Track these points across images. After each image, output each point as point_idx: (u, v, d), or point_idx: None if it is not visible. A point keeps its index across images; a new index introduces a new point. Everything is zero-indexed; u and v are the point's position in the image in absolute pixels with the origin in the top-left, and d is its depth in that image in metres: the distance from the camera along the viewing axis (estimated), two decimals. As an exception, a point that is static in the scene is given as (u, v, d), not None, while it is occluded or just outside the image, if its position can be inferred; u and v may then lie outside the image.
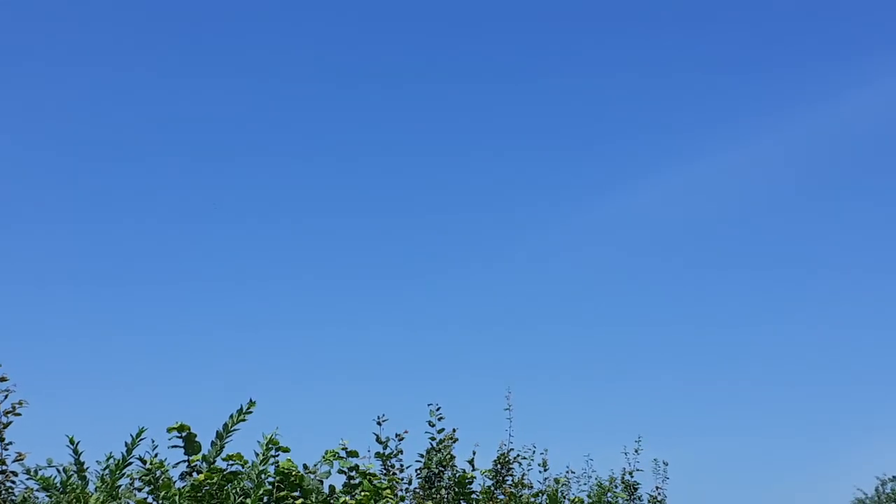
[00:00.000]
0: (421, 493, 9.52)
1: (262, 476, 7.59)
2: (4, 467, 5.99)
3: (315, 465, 8.29)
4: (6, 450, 6.08)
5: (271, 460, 7.76)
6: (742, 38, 30.90)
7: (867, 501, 26.44)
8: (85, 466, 7.09)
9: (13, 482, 6.05)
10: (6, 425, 6.12)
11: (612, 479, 12.68)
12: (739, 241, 31.08)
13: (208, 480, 7.43)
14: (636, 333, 28.69)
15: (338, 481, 8.48)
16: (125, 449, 7.14)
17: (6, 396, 6.16)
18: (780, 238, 30.84)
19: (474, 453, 10.03)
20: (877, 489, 26.43)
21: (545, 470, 11.23)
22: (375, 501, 7.15)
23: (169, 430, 7.79)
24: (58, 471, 6.85)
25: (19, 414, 6.16)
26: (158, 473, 6.98)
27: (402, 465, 9.55)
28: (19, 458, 6.10)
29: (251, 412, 7.89)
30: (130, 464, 7.20)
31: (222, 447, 7.82)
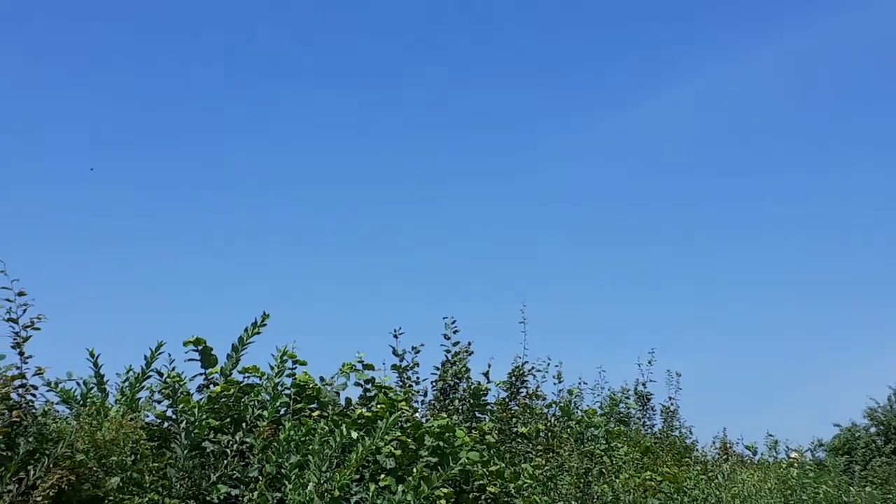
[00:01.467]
0: (436, 404, 9.64)
1: (279, 388, 7.69)
2: (25, 381, 6.07)
3: (332, 378, 8.39)
4: (26, 363, 6.15)
5: (287, 373, 7.86)
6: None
7: (879, 410, 26.69)
8: (105, 379, 7.18)
9: (33, 395, 6.13)
10: (26, 339, 6.18)
11: (624, 390, 12.81)
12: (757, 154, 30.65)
13: (225, 392, 7.54)
14: (650, 248, 28.61)
15: (354, 394, 8.61)
16: (144, 363, 7.22)
17: (25, 310, 6.20)
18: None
19: (489, 366, 10.15)
20: (889, 398, 26.66)
21: (559, 382, 11.37)
22: (391, 413, 7.24)
23: (185, 344, 7.89)
24: (78, 384, 6.94)
25: (38, 328, 6.21)
26: (176, 386, 7.07)
27: (418, 378, 9.68)
28: (39, 372, 6.17)
29: (265, 325, 7.96)
30: (149, 377, 7.29)
31: (238, 360, 7.91)
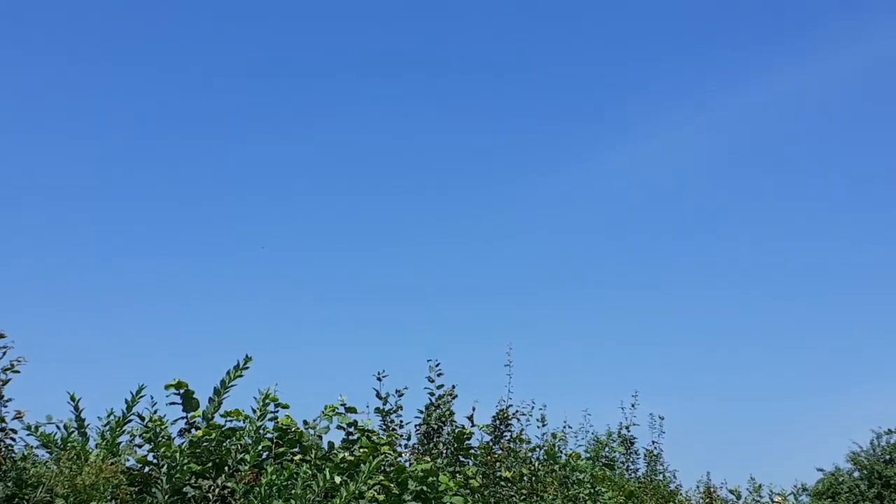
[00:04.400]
0: (420, 448, 9.58)
1: (261, 432, 7.63)
2: (4, 424, 6.00)
3: (314, 421, 8.33)
4: (5, 407, 6.09)
5: (270, 416, 7.81)
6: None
7: (862, 454, 26.64)
8: (86, 423, 7.11)
9: (13, 439, 6.05)
10: (5, 382, 6.12)
11: (609, 434, 12.77)
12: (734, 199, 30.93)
13: (207, 437, 7.47)
14: (634, 293, 28.68)
15: (336, 437, 8.54)
16: (125, 406, 7.16)
17: (4, 353, 6.15)
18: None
19: (473, 409, 10.11)
20: (871, 442, 26.64)
21: (543, 425, 11.32)
22: (374, 457, 7.18)
23: (167, 388, 7.82)
24: (58, 427, 6.86)
25: (18, 371, 6.15)
26: (158, 430, 7.00)
27: (401, 421, 9.61)
28: (18, 416, 6.11)
29: (248, 367, 7.91)
30: (130, 420, 7.22)
31: (220, 403, 7.85)
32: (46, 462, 6.46)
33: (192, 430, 7.63)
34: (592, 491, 9.68)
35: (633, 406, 13.25)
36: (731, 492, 13.53)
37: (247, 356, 7.78)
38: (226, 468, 7.07)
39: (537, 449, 10.66)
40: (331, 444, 8.27)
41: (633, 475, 13.00)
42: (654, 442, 13.32)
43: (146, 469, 7.15)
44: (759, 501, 12.90)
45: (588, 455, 12.11)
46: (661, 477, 13.03)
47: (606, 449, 12.55)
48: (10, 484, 5.67)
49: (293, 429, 7.88)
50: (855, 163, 31.93)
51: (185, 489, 6.90)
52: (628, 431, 13.17)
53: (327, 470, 6.72)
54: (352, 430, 8.44)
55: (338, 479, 6.64)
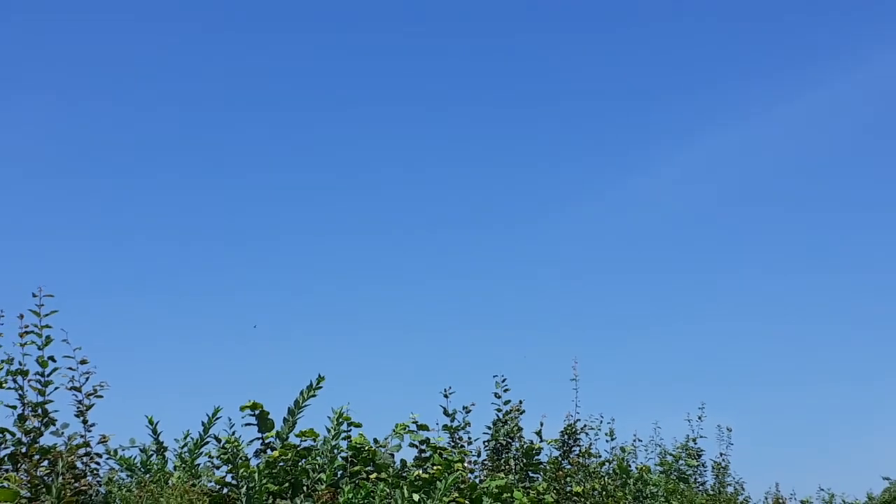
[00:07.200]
0: (489, 464, 9.55)
1: (335, 451, 7.67)
2: (89, 449, 6.08)
3: (386, 439, 8.36)
4: (90, 431, 6.18)
5: (342, 435, 7.84)
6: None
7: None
8: (164, 445, 7.19)
9: (97, 463, 6.14)
10: (89, 407, 6.22)
11: (685, 448, 12.61)
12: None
13: (283, 457, 7.52)
14: (705, 299, 28.31)
15: (408, 454, 8.55)
16: (202, 428, 7.24)
17: (87, 378, 6.25)
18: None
19: (542, 424, 10.06)
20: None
21: (612, 439, 11.22)
22: (448, 474, 7.18)
23: (242, 409, 7.89)
24: (141, 450, 6.95)
25: (101, 396, 6.25)
26: (236, 451, 7.06)
27: (469, 438, 9.59)
28: (104, 440, 6.20)
29: (321, 387, 7.97)
30: (207, 442, 7.30)
31: (294, 423, 7.90)
32: (129, 485, 6.54)
33: (268, 451, 7.69)
34: (666, 503, 9.59)
35: (699, 418, 13.10)
36: (802, 502, 13.31)
37: (320, 375, 7.84)
38: (303, 488, 7.10)
39: (607, 463, 10.58)
40: (403, 462, 8.28)
41: (699, 487, 12.84)
42: (721, 454, 13.14)
43: (225, 490, 7.21)
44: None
45: (663, 469, 11.99)
46: (730, 489, 12.85)
47: (681, 462, 12.40)
48: (97, 508, 5.75)
49: (366, 447, 7.91)
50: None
51: (263, 509, 6.95)
52: (695, 444, 13.02)
53: (405, 487, 6.72)
54: (424, 447, 8.44)
55: (417, 497, 6.63)
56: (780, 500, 13.55)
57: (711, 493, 12.54)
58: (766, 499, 13.71)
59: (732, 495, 12.75)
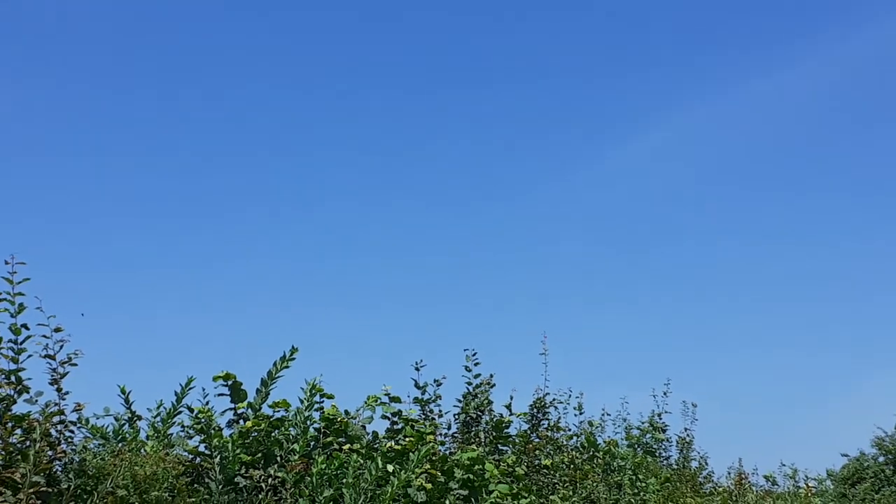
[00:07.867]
0: (459, 437, 9.63)
1: (308, 422, 7.70)
2: (64, 417, 6.07)
3: (357, 411, 8.39)
4: (64, 399, 6.15)
5: (315, 406, 7.87)
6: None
7: (887, 439, 26.57)
8: (137, 415, 7.19)
9: (72, 432, 6.13)
10: (63, 375, 6.19)
11: (652, 422, 12.78)
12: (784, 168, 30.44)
13: (256, 427, 7.54)
14: (669, 278, 28.52)
15: (380, 426, 8.61)
16: (175, 398, 7.23)
17: (62, 347, 6.21)
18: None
19: (511, 398, 10.15)
20: (896, 427, 26.58)
21: (580, 413, 11.37)
22: (420, 446, 7.24)
23: (214, 379, 7.89)
24: (115, 419, 6.94)
25: (75, 364, 6.22)
26: (209, 421, 7.07)
27: (440, 410, 9.66)
28: (78, 408, 6.18)
29: (294, 359, 7.98)
30: (180, 412, 7.30)
31: (267, 394, 7.93)
32: (104, 454, 6.53)
33: (241, 422, 7.71)
34: (634, 477, 9.71)
35: (664, 394, 13.29)
36: (766, 478, 13.53)
37: (293, 347, 7.85)
38: (276, 458, 7.13)
39: (575, 437, 10.71)
40: (375, 434, 8.34)
41: (664, 462, 13.03)
42: (686, 429, 13.35)
43: (197, 460, 7.23)
44: (797, 487, 12.90)
45: (629, 443, 12.14)
46: (694, 464, 13.05)
47: (647, 436, 12.57)
48: (71, 475, 5.74)
49: (339, 419, 7.94)
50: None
51: (236, 479, 6.98)
52: (660, 419, 13.20)
53: (378, 459, 6.77)
54: (396, 419, 8.50)
55: (391, 468, 6.69)
56: (744, 476, 13.76)
57: (676, 467, 12.73)
58: (730, 474, 13.93)
59: (697, 469, 12.95)
